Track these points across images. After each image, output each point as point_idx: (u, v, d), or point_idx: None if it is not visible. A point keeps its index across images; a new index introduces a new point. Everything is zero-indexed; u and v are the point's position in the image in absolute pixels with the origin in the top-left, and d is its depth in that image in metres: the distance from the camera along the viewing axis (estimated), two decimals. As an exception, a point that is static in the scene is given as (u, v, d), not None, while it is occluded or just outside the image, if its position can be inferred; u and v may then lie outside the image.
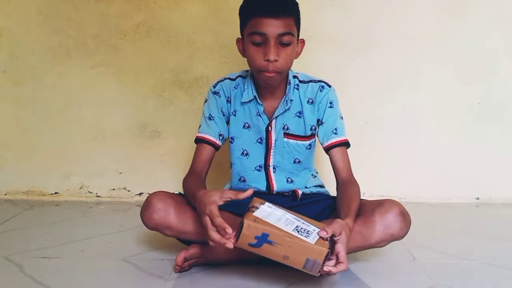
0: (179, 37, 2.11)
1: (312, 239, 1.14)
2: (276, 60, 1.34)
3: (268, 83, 1.41)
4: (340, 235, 1.17)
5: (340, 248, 1.16)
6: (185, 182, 1.45)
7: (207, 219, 1.18)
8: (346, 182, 1.44)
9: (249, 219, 1.15)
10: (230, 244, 1.16)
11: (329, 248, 1.14)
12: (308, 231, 1.16)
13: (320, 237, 1.15)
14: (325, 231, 1.16)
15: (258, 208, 1.19)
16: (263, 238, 1.13)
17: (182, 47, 2.12)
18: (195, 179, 1.45)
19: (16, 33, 2.16)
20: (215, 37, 2.09)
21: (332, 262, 1.17)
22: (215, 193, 1.21)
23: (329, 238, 1.16)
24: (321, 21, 2.07)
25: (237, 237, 1.15)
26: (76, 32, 2.13)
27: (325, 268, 1.15)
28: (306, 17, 2.02)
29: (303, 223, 1.19)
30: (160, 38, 2.12)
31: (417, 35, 2.08)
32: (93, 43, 2.13)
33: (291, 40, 1.36)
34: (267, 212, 1.18)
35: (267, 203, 1.21)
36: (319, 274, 1.16)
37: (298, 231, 1.15)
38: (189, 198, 1.40)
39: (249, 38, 1.36)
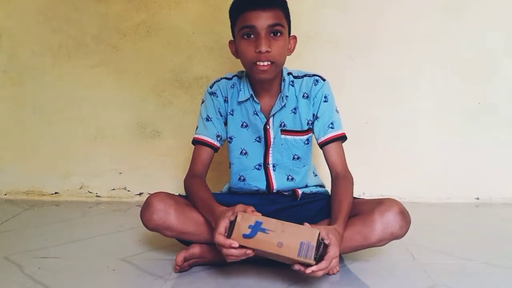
0: (179, 37, 2.11)
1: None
2: (268, 52, 1.34)
3: (262, 77, 1.40)
4: (329, 238, 1.19)
5: (331, 249, 1.18)
6: (188, 184, 1.45)
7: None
8: (340, 177, 1.45)
9: (242, 213, 1.20)
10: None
11: (321, 240, 1.17)
12: (297, 225, 1.21)
13: None
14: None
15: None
16: (257, 227, 1.17)
17: (182, 47, 2.12)
18: (199, 181, 1.45)
19: (16, 33, 2.16)
20: (215, 37, 2.09)
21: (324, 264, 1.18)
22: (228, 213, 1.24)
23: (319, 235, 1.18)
24: (321, 21, 2.08)
25: (231, 230, 1.19)
26: (76, 32, 2.13)
27: (314, 268, 1.16)
28: (306, 17, 2.05)
29: (291, 223, 1.23)
30: (160, 38, 2.12)
31: (417, 35, 2.08)
32: (93, 43, 2.13)
33: (281, 30, 1.37)
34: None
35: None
36: (314, 263, 1.15)
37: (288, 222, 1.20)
38: (193, 200, 1.41)
39: (240, 34, 1.38)
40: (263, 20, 1.34)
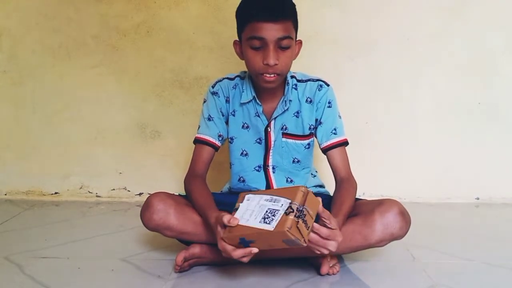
0: (179, 37, 2.11)
1: (276, 220, 1.13)
2: (276, 64, 1.34)
3: (267, 86, 1.40)
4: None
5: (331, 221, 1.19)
6: (188, 184, 1.45)
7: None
8: (344, 181, 1.44)
9: (225, 231, 1.19)
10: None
11: (297, 218, 1.12)
12: (275, 212, 1.15)
13: (285, 210, 1.13)
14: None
15: (238, 209, 1.21)
16: (244, 241, 1.17)
17: (182, 47, 2.12)
18: (198, 182, 1.44)
19: (16, 33, 2.16)
20: (215, 37, 2.09)
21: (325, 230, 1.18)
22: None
23: (296, 210, 1.13)
24: (321, 21, 2.07)
25: None
26: (76, 32, 2.13)
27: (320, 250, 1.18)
28: (306, 17, 2.02)
29: (273, 203, 1.17)
30: (160, 38, 2.12)
31: (417, 35, 2.08)
32: (93, 43, 2.14)
33: (290, 43, 1.35)
34: (243, 209, 1.20)
35: (246, 196, 1.23)
36: (305, 243, 1.14)
37: (264, 219, 1.15)
38: (192, 203, 1.40)
39: (248, 43, 1.36)
40: (273, 32, 1.32)
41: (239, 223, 1.18)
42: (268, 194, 1.20)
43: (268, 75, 1.36)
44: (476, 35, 2.08)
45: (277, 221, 1.13)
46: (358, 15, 2.08)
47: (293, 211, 1.12)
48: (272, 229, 1.12)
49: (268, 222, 1.14)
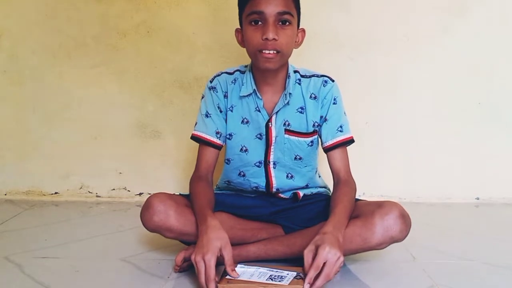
0: (179, 37, 2.11)
1: (287, 281, 1.20)
2: (275, 39, 1.32)
3: (266, 67, 1.36)
4: (318, 257, 1.19)
5: (318, 251, 1.19)
6: (191, 186, 1.45)
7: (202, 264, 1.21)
8: (342, 182, 1.43)
9: (223, 283, 1.21)
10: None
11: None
12: (282, 276, 1.23)
13: (295, 277, 1.22)
14: (308, 279, 1.19)
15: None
16: None
17: (182, 47, 2.12)
18: (200, 186, 1.43)
19: (16, 33, 2.16)
20: (215, 37, 2.09)
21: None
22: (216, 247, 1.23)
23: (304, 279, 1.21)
24: (321, 21, 2.07)
25: None
26: (76, 32, 2.13)
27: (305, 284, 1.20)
28: (306, 17, 2.01)
29: (277, 271, 1.26)
30: (160, 38, 2.12)
31: (417, 35, 2.08)
32: (93, 43, 2.13)
33: (290, 20, 1.34)
34: (240, 272, 1.25)
35: (239, 265, 1.28)
36: None
37: (272, 279, 1.22)
38: (191, 204, 1.40)
39: (248, 19, 1.35)
40: (272, 6, 1.31)
41: (241, 278, 1.22)
42: (265, 267, 1.28)
43: (267, 52, 1.33)
44: (476, 35, 2.08)
45: (290, 280, 1.20)
46: (359, 15, 2.08)
47: (302, 278, 1.21)
48: (287, 283, 1.19)
49: (278, 280, 1.21)
